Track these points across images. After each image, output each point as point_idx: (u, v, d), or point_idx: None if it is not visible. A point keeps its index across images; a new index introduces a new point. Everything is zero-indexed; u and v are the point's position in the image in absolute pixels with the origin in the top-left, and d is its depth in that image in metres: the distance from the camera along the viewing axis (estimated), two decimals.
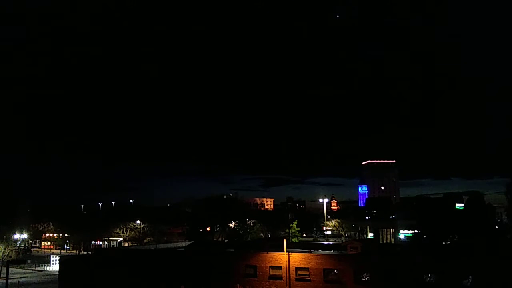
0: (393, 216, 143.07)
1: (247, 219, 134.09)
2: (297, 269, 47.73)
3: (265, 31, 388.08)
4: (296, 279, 47.53)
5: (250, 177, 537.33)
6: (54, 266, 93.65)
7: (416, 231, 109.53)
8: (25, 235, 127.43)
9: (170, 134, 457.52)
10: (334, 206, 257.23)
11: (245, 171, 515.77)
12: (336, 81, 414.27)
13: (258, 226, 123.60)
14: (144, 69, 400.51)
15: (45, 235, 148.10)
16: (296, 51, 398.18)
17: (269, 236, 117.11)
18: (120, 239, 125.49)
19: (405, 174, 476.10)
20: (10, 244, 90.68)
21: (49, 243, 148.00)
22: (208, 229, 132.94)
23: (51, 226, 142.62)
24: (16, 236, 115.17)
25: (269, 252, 50.22)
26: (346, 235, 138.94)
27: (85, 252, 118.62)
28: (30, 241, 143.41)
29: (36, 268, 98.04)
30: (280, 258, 48.77)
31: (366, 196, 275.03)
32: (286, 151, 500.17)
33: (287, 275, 47.74)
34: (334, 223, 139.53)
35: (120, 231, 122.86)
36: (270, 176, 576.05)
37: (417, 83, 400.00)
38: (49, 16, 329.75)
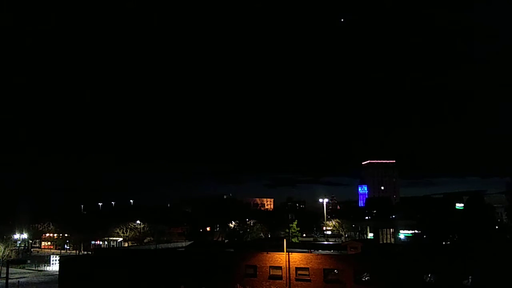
0: (393, 216, 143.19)
1: (247, 219, 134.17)
2: (297, 269, 47.73)
3: (268, 32, 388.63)
4: (296, 279, 47.54)
5: (251, 177, 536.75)
6: (54, 266, 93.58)
7: (416, 231, 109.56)
8: (25, 235, 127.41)
9: (174, 134, 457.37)
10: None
11: (246, 171, 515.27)
12: (335, 81, 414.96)
13: (258, 226, 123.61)
14: (145, 68, 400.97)
15: (45, 235, 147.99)
16: (299, 52, 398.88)
17: (269, 236, 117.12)
18: (120, 239, 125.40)
19: (418, 173, 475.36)
20: (10, 244, 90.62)
21: (49, 243, 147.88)
22: (208, 229, 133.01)
23: (51, 226, 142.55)
24: (16, 236, 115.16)
25: (269, 252, 50.21)
26: (346, 235, 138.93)
27: (85, 252, 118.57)
28: (30, 241, 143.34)
29: (36, 268, 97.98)
30: (280, 258, 48.77)
31: (366, 196, 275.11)
32: (287, 152, 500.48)
33: (287, 275, 47.74)
34: (334, 223, 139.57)
35: (120, 231, 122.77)
36: (271, 176, 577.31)
37: (419, 82, 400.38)
38: (49, 16, 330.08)
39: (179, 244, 78.14)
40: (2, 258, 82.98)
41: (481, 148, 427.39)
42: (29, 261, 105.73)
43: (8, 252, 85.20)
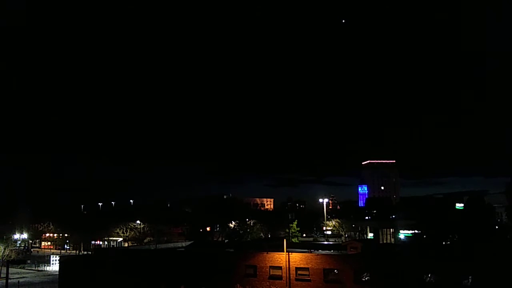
0: (393, 216, 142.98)
1: (247, 219, 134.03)
2: (297, 269, 47.68)
3: (269, 33, 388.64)
4: (296, 279, 47.48)
5: (252, 177, 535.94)
6: (54, 266, 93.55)
7: (416, 231, 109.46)
8: (25, 235, 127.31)
9: (175, 134, 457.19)
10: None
11: (248, 172, 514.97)
12: (336, 82, 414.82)
13: (258, 226, 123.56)
14: (145, 68, 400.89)
15: (45, 235, 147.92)
16: (300, 52, 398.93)
17: (269, 236, 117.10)
18: (120, 239, 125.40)
19: (420, 173, 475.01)
20: (10, 244, 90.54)
21: (49, 243, 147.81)
22: (208, 229, 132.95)
23: (51, 226, 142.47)
24: (16, 236, 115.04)
25: (269, 252, 50.17)
26: (346, 235, 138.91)
27: (85, 252, 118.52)
28: (30, 241, 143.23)
29: (36, 268, 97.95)
30: (280, 258, 48.72)
31: (366, 196, 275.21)
32: (289, 152, 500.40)
33: (287, 275, 47.69)
34: (334, 223, 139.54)
35: (120, 231, 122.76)
36: (273, 176, 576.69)
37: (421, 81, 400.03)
38: (49, 17, 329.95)
39: (179, 244, 78.11)
40: (2, 258, 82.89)
41: (483, 148, 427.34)
42: (29, 261, 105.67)
43: (8, 252, 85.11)
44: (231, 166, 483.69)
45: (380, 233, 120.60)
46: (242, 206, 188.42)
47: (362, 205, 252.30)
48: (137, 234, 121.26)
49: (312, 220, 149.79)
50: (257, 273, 49.55)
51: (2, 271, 77.23)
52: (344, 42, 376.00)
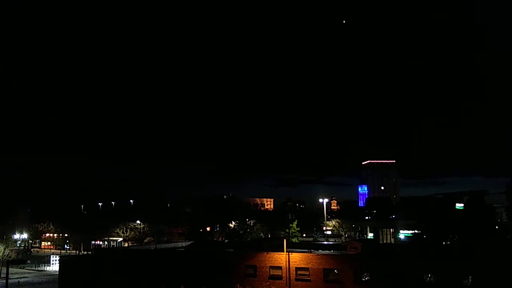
0: (393, 216, 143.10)
1: (247, 219, 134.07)
2: (297, 269, 47.68)
3: (270, 33, 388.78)
4: (296, 279, 47.49)
5: (252, 177, 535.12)
6: (54, 266, 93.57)
7: (416, 231, 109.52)
8: (25, 235, 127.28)
9: (175, 134, 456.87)
10: (334, 206, 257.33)
11: (248, 172, 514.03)
12: (337, 82, 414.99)
13: (258, 226, 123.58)
14: (147, 69, 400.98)
15: (45, 235, 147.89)
16: (300, 52, 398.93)
17: (269, 236, 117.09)
18: (120, 239, 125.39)
19: (421, 173, 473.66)
20: (10, 244, 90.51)
21: (49, 243, 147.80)
22: (208, 229, 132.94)
23: (51, 226, 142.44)
24: (16, 236, 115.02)
25: (269, 252, 50.17)
26: (346, 235, 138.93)
27: (85, 252, 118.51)
28: (30, 241, 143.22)
29: (36, 268, 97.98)
30: (280, 258, 48.73)
31: (366, 196, 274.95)
32: (290, 153, 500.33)
33: (287, 275, 47.69)
34: (334, 223, 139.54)
35: (120, 231, 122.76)
36: (273, 176, 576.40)
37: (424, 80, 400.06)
38: (49, 17, 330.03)
39: (179, 244, 78.12)
40: (2, 258, 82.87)
41: (483, 148, 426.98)
42: (29, 261, 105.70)
43: (8, 252, 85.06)
44: (231, 166, 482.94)
45: (380, 233, 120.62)
46: (242, 206, 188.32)
47: (362, 205, 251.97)
48: (137, 234, 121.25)
49: (312, 220, 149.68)
50: (257, 273, 49.55)
51: (2, 271, 77.23)
52: (344, 42, 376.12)
